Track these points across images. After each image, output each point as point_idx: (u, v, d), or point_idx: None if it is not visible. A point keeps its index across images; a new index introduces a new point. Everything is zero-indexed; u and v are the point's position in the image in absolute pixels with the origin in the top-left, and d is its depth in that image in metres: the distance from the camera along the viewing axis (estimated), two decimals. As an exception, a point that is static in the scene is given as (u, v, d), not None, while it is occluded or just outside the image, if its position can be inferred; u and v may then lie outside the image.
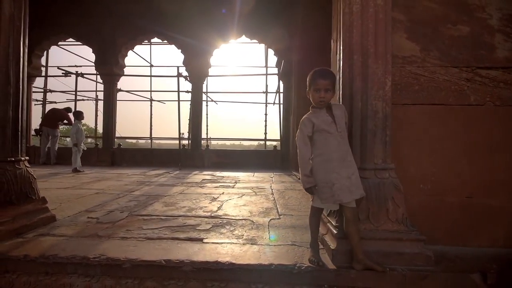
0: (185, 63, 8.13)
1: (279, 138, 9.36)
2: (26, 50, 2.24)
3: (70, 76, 8.29)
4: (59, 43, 8.99)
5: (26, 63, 2.24)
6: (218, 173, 6.32)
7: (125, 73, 8.83)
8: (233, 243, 1.95)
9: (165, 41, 8.69)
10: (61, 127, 8.73)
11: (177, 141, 8.65)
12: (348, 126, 1.75)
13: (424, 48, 1.97)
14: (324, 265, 1.61)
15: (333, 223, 1.76)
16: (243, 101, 18.70)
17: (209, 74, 8.64)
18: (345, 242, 1.63)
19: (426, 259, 1.61)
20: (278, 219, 2.59)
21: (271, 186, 4.54)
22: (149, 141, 11.21)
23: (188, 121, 8.73)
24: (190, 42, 8.04)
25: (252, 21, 7.98)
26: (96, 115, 10.12)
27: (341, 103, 1.91)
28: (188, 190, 4.04)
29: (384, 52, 1.78)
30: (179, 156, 8.11)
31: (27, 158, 2.24)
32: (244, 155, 8.42)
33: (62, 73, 8.15)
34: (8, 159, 2.07)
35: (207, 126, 10.01)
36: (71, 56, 9.46)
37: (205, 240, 1.99)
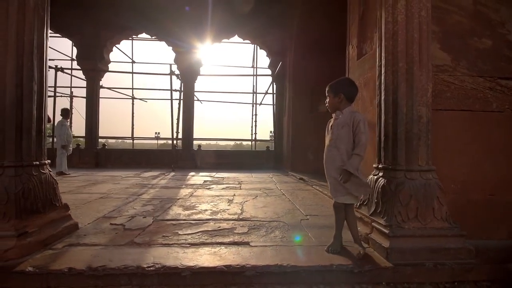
0: (176, 61, 7.89)
1: (268, 139, 9.47)
2: (48, 43, 2.05)
3: (49, 70, 7.59)
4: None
5: (47, 58, 2.05)
6: (216, 174, 6.22)
7: (109, 69, 8.35)
8: (279, 245, 1.96)
9: (154, 38, 8.34)
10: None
11: (155, 141, 8.41)
12: (380, 131, 1.94)
13: (455, 58, 2.13)
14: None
15: (382, 222, 1.84)
16: (230, 101, 18.54)
17: (200, 73, 8.46)
18: (399, 241, 1.72)
19: (468, 252, 1.75)
20: (307, 219, 2.63)
21: (277, 187, 4.58)
22: (130, 141, 10.75)
23: (175, 120, 8.47)
24: (181, 40, 7.82)
25: (245, 21, 7.96)
26: (71, 113, 9.40)
27: (382, 108, 2.00)
28: (197, 193, 3.94)
29: (427, 60, 1.90)
30: (170, 157, 7.86)
31: (48, 161, 2.05)
32: (237, 156, 8.38)
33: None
34: (34, 163, 1.88)
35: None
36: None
37: (252, 244, 1.97)
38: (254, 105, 9.87)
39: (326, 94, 1.97)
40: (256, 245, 1.94)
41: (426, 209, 1.79)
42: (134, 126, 10.58)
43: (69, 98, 10.11)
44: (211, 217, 2.63)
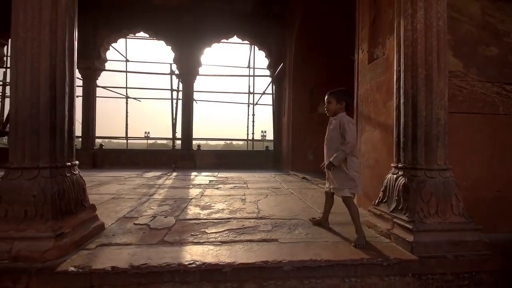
0: (175, 60, 7.84)
1: (259, 138, 9.58)
2: (76, 44, 2.05)
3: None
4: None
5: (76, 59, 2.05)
6: (218, 174, 6.25)
7: (105, 68, 8.20)
8: (307, 241, 2.04)
9: (152, 37, 8.26)
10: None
11: (145, 141, 8.32)
12: (399, 133, 2.10)
13: (466, 64, 2.28)
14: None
15: (404, 218, 1.96)
16: (226, 101, 18.49)
17: (199, 73, 8.44)
18: (422, 235, 1.84)
19: (484, 245, 1.90)
20: (324, 217, 2.73)
21: (283, 186, 4.67)
22: (123, 141, 10.58)
23: (173, 120, 8.41)
24: (181, 39, 7.80)
25: (245, 22, 8.03)
26: None
27: (402, 111, 2.12)
28: (207, 193, 3.98)
29: (444, 67, 2.04)
30: (168, 157, 7.82)
31: (77, 162, 2.05)
32: (236, 156, 8.42)
33: (33, 65, 7.25)
34: (66, 164, 1.89)
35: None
36: None
37: (280, 241, 2.05)
38: (252, 105, 9.92)
39: (326, 100, 2.26)
40: (285, 242, 2.02)
41: (445, 205, 1.93)
42: (128, 126, 10.43)
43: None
44: (231, 216, 2.69)
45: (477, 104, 2.29)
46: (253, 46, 9.16)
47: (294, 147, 7.12)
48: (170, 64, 7.32)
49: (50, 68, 1.77)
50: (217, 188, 4.34)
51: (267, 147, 8.58)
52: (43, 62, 1.75)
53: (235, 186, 4.55)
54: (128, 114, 10.38)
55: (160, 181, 5.06)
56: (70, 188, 1.87)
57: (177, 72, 7.77)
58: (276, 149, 8.37)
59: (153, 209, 2.94)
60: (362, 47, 3.18)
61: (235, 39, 8.57)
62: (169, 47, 7.95)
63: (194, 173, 6.42)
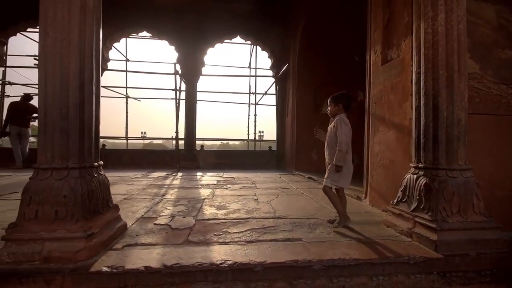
0: (179, 60, 7.82)
1: (266, 139, 9.60)
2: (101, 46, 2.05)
3: (45, 67, 7.30)
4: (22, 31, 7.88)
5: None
6: (224, 174, 6.26)
7: (108, 68, 8.15)
8: (330, 240, 2.07)
9: (155, 37, 8.22)
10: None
11: (141, 141, 8.31)
12: (419, 134, 2.17)
13: (482, 67, 2.33)
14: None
15: (427, 217, 2.00)
16: (227, 101, 18.47)
17: (202, 73, 8.43)
18: (445, 234, 1.88)
19: (503, 243, 1.94)
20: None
21: (292, 186, 4.70)
22: (123, 141, 10.50)
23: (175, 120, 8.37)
24: (184, 39, 7.78)
25: (248, 22, 8.04)
26: None
27: (422, 112, 2.16)
28: (218, 193, 3.98)
29: (464, 69, 2.08)
30: (171, 158, 7.79)
31: (102, 162, 2.05)
32: (239, 156, 8.43)
33: (35, 65, 7.15)
34: (94, 164, 1.88)
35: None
36: (33, 44, 8.28)
37: (304, 240, 2.07)
38: (254, 105, 9.94)
39: (328, 104, 2.54)
40: (309, 241, 2.04)
41: (467, 205, 1.97)
42: (128, 126, 10.37)
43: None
44: (249, 216, 2.71)
45: (493, 105, 2.34)
46: (255, 46, 9.18)
47: (298, 147, 7.16)
48: (174, 64, 7.29)
49: (79, 68, 1.77)
50: (226, 188, 4.35)
51: (270, 147, 8.60)
52: (72, 62, 1.74)
53: (244, 186, 4.57)
54: (125, 113, 10.33)
55: (167, 182, 5.04)
56: (98, 188, 1.87)
57: (180, 72, 7.73)
58: (279, 149, 8.40)
59: (169, 209, 2.94)
60: (375, 48, 3.23)
61: (237, 39, 8.59)
62: (172, 47, 7.93)
63: (199, 173, 6.42)
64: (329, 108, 2.51)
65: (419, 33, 2.21)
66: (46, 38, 1.71)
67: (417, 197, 2.11)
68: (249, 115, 10.07)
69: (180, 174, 6.24)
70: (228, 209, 2.99)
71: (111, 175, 5.79)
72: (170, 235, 2.14)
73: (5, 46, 7.91)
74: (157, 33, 7.87)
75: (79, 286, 1.53)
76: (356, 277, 1.73)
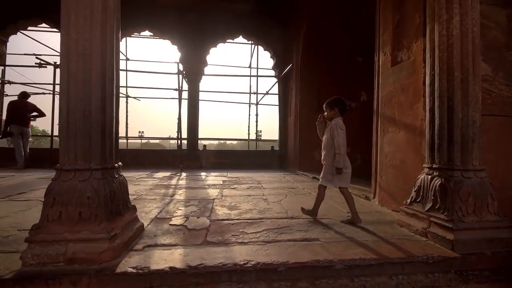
0: (182, 60, 7.80)
1: (264, 139, 9.63)
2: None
3: (46, 67, 7.25)
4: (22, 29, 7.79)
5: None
6: (228, 174, 6.27)
7: (110, 67, 8.09)
8: (348, 240, 2.09)
9: (157, 36, 8.19)
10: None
11: (139, 141, 8.32)
12: (434, 135, 2.20)
13: (494, 69, 2.37)
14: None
15: (443, 217, 2.03)
16: (228, 101, 18.40)
17: (205, 73, 8.42)
18: (462, 233, 1.92)
19: (517, 242, 1.99)
20: (351, 217, 2.79)
21: (298, 186, 4.73)
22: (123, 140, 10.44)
23: (177, 120, 8.35)
24: (187, 39, 7.77)
25: (250, 22, 8.05)
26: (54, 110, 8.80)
27: (436, 113, 2.19)
28: (226, 193, 3.99)
29: (478, 71, 2.12)
30: (173, 158, 7.77)
31: (121, 163, 2.05)
32: (242, 156, 8.44)
33: (36, 63, 7.08)
34: (115, 165, 1.89)
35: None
36: (31, 43, 8.17)
37: (321, 240, 2.09)
38: (255, 105, 9.94)
39: (324, 109, 2.70)
40: (326, 241, 2.06)
41: (482, 204, 2.01)
42: (128, 126, 10.31)
43: (56, 95, 9.64)
44: (262, 216, 2.72)
45: (505, 107, 2.39)
46: (256, 46, 9.19)
47: (301, 147, 7.19)
48: (178, 64, 7.27)
49: (101, 70, 1.77)
50: (233, 188, 4.36)
51: (272, 147, 8.62)
52: (94, 63, 1.74)
53: (251, 186, 4.58)
54: (122, 113, 10.27)
55: (173, 182, 5.04)
56: (118, 189, 1.87)
57: (183, 72, 7.72)
58: (282, 149, 8.43)
59: (181, 209, 2.95)
60: (384, 50, 3.26)
61: (239, 39, 8.59)
62: (174, 47, 7.92)
63: (203, 173, 6.42)
64: (325, 113, 2.68)
65: (433, 35, 2.24)
66: (68, 40, 1.70)
67: (432, 197, 2.15)
68: (249, 114, 10.08)
69: (184, 174, 6.24)
70: (240, 209, 3.01)
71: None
72: (187, 236, 2.15)
73: (5, 45, 7.84)
74: (160, 33, 7.85)
75: (105, 287, 1.53)
76: (377, 277, 1.76)
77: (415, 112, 2.70)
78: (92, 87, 1.73)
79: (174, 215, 2.73)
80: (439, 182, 2.11)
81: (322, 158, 2.74)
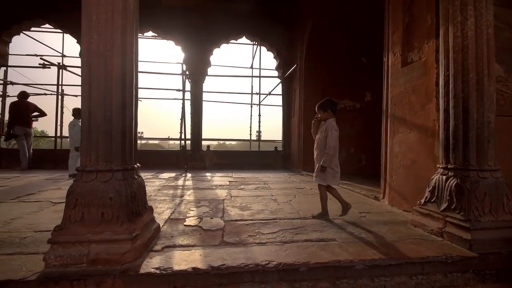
0: (185, 61, 7.81)
1: (263, 139, 9.65)
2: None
3: (50, 68, 7.24)
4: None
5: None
6: (234, 175, 6.27)
7: (113, 67, 8.08)
8: (365, 241, 2.10)
9: (161, 37, 8.19)
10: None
11: (139, 141, 8.31)
12: (448, 135, 2.22)
13: (506, 70, 2.39)
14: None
15: (459, 217, 2.04)
16: (227, 101, 18.42)
17: (208, 73, 8.42)
18: (479, 233, 1.93)
19: (533, 242, 2.00)
20: (364, 217, 2.81)
21: (305, 186, 4.74)
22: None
23: (179, 121, 8.35)
24: (190, 39, 7.77)
25: (254, 22, 8.07)
26: (60, 112, 8.82)
27: (451, 114, 2.20)
28: (234, 193, 4.00)
29: (492, 72, 2.13)
30: (177, 158, 7.77)
31: (139, 164, 2.05)
32: (245, 156, 8.44)
33: (40, 64, 7.07)
34: (134, 166, 1.89)
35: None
36: (32, 44, 8.15)
37: (338, 240, 2.10)
38: (257, 105, 9.95)
39: (317, 111, 2.79)
40: (343, 241, 2.07)
41: (498, 204, 2.03)
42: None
43: (59, 96, 9.61)
44: (275, 217, 2.73)
45: (517, 107, 2.41)
46: (259, 47, 9.20)
47: (305, 148, 7.19)
48: (182, 64, 7.27)
49: (122, 71, 1.77)
50: (241, 189, 4.36)
51: (275, 147, 8.64)
52: (115, 65, 1.75)
53: (258, 187, 4.59)
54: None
55: (180, 182, 5.04)
56: (138, 190, 1.87)
57: (187, 72, 7.72)
58: (285, 150, 8.44)
59: (193, 210, 2.95)
60: (394, 50, 3.27)
61: (242, 39, 8.61)
62: (178, 47, 7.92)
63: (208, 174, 6.42)
64: (319, 115, 2.79)
65: (448, 37, 2.26)
66: (90, 41, 1.71)
67: (448, 197, 2.16)
68: (251, 115, 10.07)
69: (189, 174, 6.24)
70: (252, 209, 3.01)
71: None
72: (204, 236, 2.15)
73: (8, 46, 7.81)
74: (164, 33, 7.85)
75: (129, 287, 1.54)
76: (397, 277, 1.77)
77: (427, 113, 2.72)
78: (113, 88, 1.74)
79: (187, 216, 2.73)
80: (454, 182, 2.12)
81: (315, 157, 2.84)
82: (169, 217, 2.68)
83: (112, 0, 1.73)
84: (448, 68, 2.25)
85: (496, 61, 2.37)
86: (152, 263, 1.66)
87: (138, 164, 1.97)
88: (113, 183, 1.70)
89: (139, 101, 8.48)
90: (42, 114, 6.94)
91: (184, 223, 2.47)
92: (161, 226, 2.37)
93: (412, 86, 2.95)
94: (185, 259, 1.73)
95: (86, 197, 1.65)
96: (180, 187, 4.52)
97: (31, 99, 7.08)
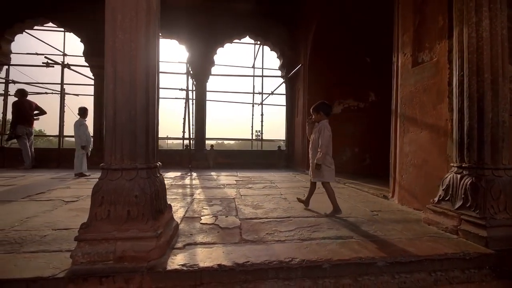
0: (189, 60, 7.81)
1: (270, 138, 9.69)
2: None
3: (53, 67, 7.21)
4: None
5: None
6: (239, 174, 6.29)
7: (116, 67, 8.06)
8: (382, 238, 2.13)
9: (165, 36, 8.18)
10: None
11: None
12: (463, 135, 2.26)
13: (519, 70, 2.43)
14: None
15: (475, 215, 2.08)
16: (233, 100, 18.35)
17: (212, 73, 8.42)
18: (494, 230, 1.97)
19: (547, 239, 2.04)
20: (376, 215, 2.84)
21: (312, 185, 4.76)
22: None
23: (189, 120, 8.34)
24: (195, 39, 7.78)
25: (257, 22, 8.08)
26: (63, 111, 8.79)
27: (466, 113, 2.24)
28: (243, 192, 4.02)
29: (507, 72, 2.17)
30: (181, 157, 7.77)
31: (160, 163, 2.07)
32: (248, 155, 8.46)
33: (43, 63, 7.04)
34: (157, 164, 1.91)
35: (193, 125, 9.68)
36: (34, 42, 8.11)
37: (355, 238, 2.13)
38: (260, 105, 9.97)
39: (311, 112, 3.01)
40: (361, 239, 2.10)
41: (513, 202, 2.07)
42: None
43: (65, 95, 9.58)
44: (289, 215, 2.76)
45: (529, 107, 2.44)
46: (262, 46, 9.22)
47: (310, 147, 7.23)
48: (187, 64, 7.28)
49: (146, 70, 1.79)
50: (249, 188, 4.39)
51: (279, 146, 8.66)
52: (139, 64, 1.76)
53: (266, 186, 4.62)
54: None
55: (187, 181, 5.05)
56: (160, 188, 1.89)
57: (191, 71, 7.73)
58: (289, 149, 8.47)
59: (206, 209, 2.97)
60: (404, 51, 3.31)
61: (246, 39, 8.62)
62: (182, 47, 7.92)
63: (213, 173, 6.43)
64: (313, 116, 3.00)
65: (462, 38, 2.29)
66: (115, 40, 1.72)
67: (463, 196, 2.20)
68: (253, 114, 10.06)
69: (194, 174, 6.25)
70: (264, 208, 3.04)
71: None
72: (223, 234, 2.17)
73: (10, 44, 7.77)
74: (168, 33, 7.83)
75: (157, 284, 1.55)
76: (417, 273, 1.80)
77: (439, 112, 2.75)
78: (137, 88, 1.75)
79: (202, 214, 2.75)
80: (470, 181, 2.16)
81: (310, 156, 3.02)
82: (184, 215, 2.70)
83: (137, 1, 1.74)
84: (462, 69, 2.29)
85: (510, 63, 2.41)
86: (177, 260, 1.68)
87: (159, 163, 1.99)
88: (138, 181, 1.71)
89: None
90: (42, 112, 6.93)
91: (201, 221, 2.49)
92: (179, 224, 2.39)
93: (423, 86, 2.99)
94: (209, 256, 1.75)
95: (112, 195, 1.67)
96: (188, 186, 4.54)
97: (32, 98, 7.07)
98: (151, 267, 1.59)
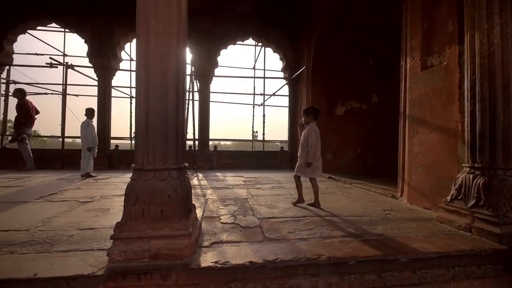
0: (193, 61, 7.85)
1: (260, 139, 9.78)
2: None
3: (57, 67, 7.19)
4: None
5: (183, 64, 2.11)
6: (244, 174, 6.34)
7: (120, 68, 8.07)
8: (402, 235, 2.21)
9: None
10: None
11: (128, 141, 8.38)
12: (475, 136, 2.37)
13: (527, 74, 2.54)
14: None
15: (488, 213, 2.18)
16: (235, 102, 18.42)
17: (215, 74, 8.47)
18: (508, 227, 2.06)
19: (556, 236, 2.15)
20: (389, 214, 2.92)
21: (320, 186, 4.82)
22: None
23: (193, 121, 8.37)
24: (198, 40, 7.82)
25: (261, 24, 8.17)
26: (65, 112, 8.73)
27: (478, 116, 2.34)
28: (254, 192, 4.08)
29: (518, 77, 2.28)
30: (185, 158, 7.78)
31: (187, 164, 2.12)
32: (252, 156, 8.52)
33: (47, 63, 7.01)
34: (185, 164, 1.96)
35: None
36: (34, 43, 8.08)
37: (374, 236, 2.21)
38: (261, 106, 10.03)
39: (302, 115, 3.36)
40: (380, 237, 2.18)
41: (524, 201, 2.16)
42: (132, 126, 10.23)
43: (67, 96, 9.53)
44: (304, 214, 2.83)
45: (536, 110, 2.55)
46: (264, 48, 9.29)
47: (313, 148, 7.32)
48: (191, 65, 7.31)
49: (176, 73, 1.84)
50: (258, 188, 4.45)
51: (282, 147, 8.74)
52: (170, 67, 1.81)
53: (274, 186, 4.68)
54: (115, 113, 10.15)
55: (195, 182, 5.09)
56: (189, 188, 1.94)
57: (194, 72, 7.76)
58: (292, 150, 8.55)
59: (222, 208, 3.03)
60: (413, 55, 3.41)
61: (249, 41, 8.69)
62: (187, 48, 7.95)
63: (218, 174, 6.47)
64: (303, 119, 3.31)
65: (473, 43, 2.39)
66: (148, 44, 1.77)
67: (475, 195, 2.29)
68: (253, 115, 10.11)
69: (200, 174, 6.29)
70: (279, 208, 3.10)
71: (129, 176, 5.77)
72: (245, 233, 2.23)
73: (12, 45, 7.72)
74: (171, 34, 7.86)
75: (192, 281, 1.61)
76: (436, 269, 1.88)
77: (449, 114, 2.85)
78: (168, 90, 1.81)
79: (220, 214, 2.80)
80: (482, 181, 2.25)
81: (298, 154, 3.34)
82: (203, 215, 2.75)
83: (169, 7, 1.80)
84: (474, 73, 2.39)
85: (517, 67, 2.52)
86: (208, 258, 1.73)
87: (186, 164, 2.04)
88: (170, 182, 1.76)
89: (121, 100, 8.36)
90: (37, 112, 6.90)
91: (220, 221, 2.54)
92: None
93: (433, 89, 3.09)
94: (238, 253, 1.81)
95: (145, 195, 1.71)
96: (198, 186, 4.58)
97: (32, 99, 7.03)
98: (185, 264, 1.64)
